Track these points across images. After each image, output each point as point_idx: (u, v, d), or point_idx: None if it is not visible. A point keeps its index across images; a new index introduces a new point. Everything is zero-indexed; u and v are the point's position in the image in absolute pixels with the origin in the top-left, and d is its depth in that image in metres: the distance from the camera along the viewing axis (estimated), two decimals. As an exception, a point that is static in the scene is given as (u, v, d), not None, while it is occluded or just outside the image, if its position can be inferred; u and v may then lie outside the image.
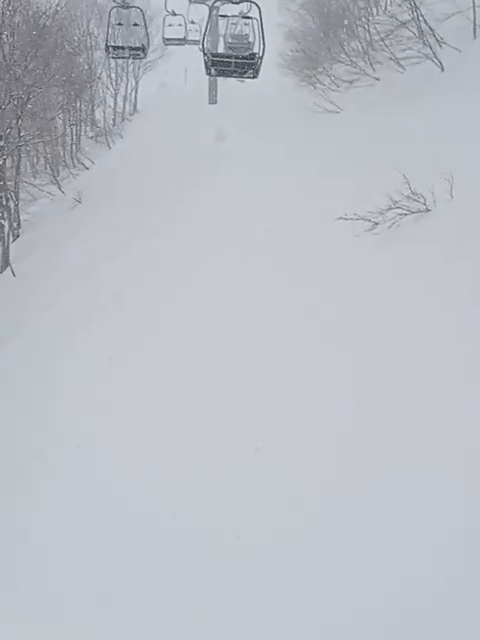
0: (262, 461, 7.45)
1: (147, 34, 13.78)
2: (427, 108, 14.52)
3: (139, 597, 6.53)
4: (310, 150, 16.44)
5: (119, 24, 13.19)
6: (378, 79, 19.32)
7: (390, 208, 10.07)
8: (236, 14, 16.53)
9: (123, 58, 14.73)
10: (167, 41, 23.28)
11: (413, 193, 10.16)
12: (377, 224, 10.43)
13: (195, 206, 17.13)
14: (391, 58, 18.29)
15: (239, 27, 22.30)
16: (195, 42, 25.67)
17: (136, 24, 13.54)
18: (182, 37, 23.04)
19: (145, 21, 13.31)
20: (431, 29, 16.88)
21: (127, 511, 7.52)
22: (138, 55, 13.37)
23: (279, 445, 7.56)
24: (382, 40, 18.57)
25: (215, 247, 13.88)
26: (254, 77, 9.57)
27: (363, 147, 14.27)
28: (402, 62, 18.00)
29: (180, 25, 21.99)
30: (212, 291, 11.89)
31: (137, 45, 13.39)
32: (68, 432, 9.48)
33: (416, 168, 11.06)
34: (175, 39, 23.09)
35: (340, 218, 10.64)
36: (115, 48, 13.04)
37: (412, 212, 10.09)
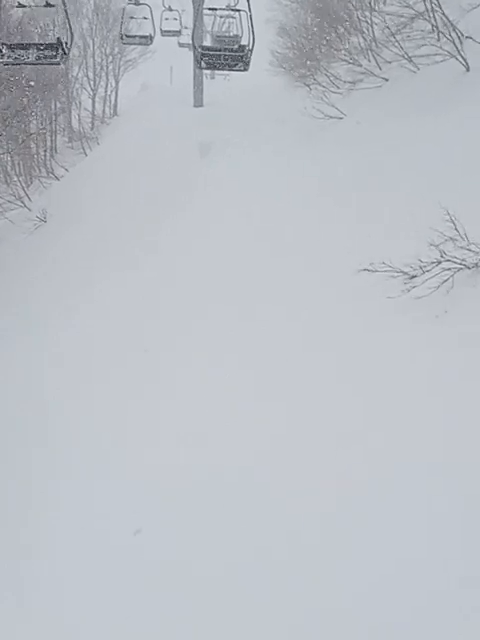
0: (267, 498, 6.78)
1: (68, 23, 8.44)
2: (454, 115, 11.90)
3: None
4: (311, 168, 13.76)
5: (19, 5, 9.56)
6: (387, 80, 16.64)
7: (438, 262, 7.28)
8: (223, 7, 14.33)
9: (20, 64, 8.41)
10: (126, 39, 19.45)
11: (462, 235, 7.44)
12: (414, 277, 7.70)
13: (177, 232, 14.55)
14: (403, 56, 15.57)
15: (226, 24, 19.65)
16: (171, 33, 22.30)
17: (49, 4, 9.55)
18: (147, 34, 19.04)
19: (64, 1, 8.02)
20: (450, 22, 14.20)
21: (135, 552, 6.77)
22: (53, 57, 8.19)
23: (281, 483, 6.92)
24: (392, 35, 15.83)
25: (201, 291, 11.30)
26: (244, 70, 9.48)
27: (379, 166, 11.58)
28: (415, 60, 15.30)
29: (146, 18, 18.08)
30: (205, 338, 10.11)
31: (44, 42, 8.16)
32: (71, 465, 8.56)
33: (452, 195, 8.49)
34: (137, 36, 19.43)
35: (365, 270, 7.90)
36: (11, 48, 8.07)
37: (468, 267, 7.32)
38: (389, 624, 5.35)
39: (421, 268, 7.57)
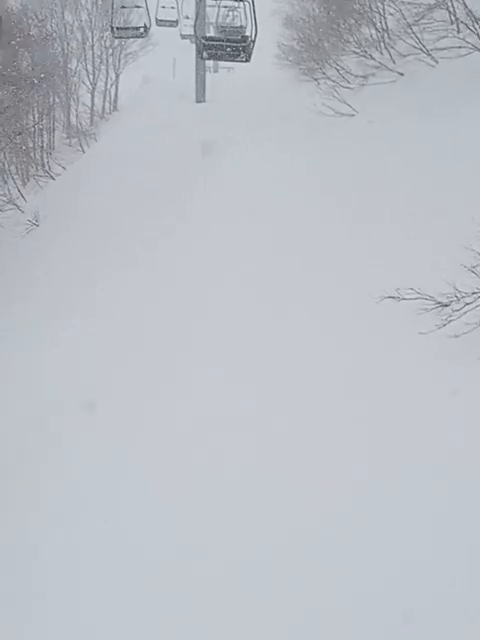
0: (269, 498, 6.98)
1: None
2: (477, 112, 11.97)
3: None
4: (317, 166, 13.86)
5: None
6: (402, 74, 16.78)
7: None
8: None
9: None
10: (118, 31, 17.28)
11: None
12: (446, 306, 7.39)
13: (177, 230, 14.76)
14: (420, 48, 15.67)
15: (230, 16, 19.79)
16: (168, 23, 21.67)
17: None
18: (141, 26, 17.13)
19: None
20: (472, 13, 14.31)
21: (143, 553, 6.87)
22: None
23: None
24: (409, 26, 15.97)
25: (202, 290, 11.50)
26: (246, 61, 9.88)
27: (396, 169, 11.64)
28: (434, 53, 15.40)
29: (139, 7, 16.80)
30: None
31: None
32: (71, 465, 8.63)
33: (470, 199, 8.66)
34: (130, 28, 18.52)
35: (390, 297, 7.68)
36: None
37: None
38: (394, 626, 5.52)
39: (459, 300, 7.34)
